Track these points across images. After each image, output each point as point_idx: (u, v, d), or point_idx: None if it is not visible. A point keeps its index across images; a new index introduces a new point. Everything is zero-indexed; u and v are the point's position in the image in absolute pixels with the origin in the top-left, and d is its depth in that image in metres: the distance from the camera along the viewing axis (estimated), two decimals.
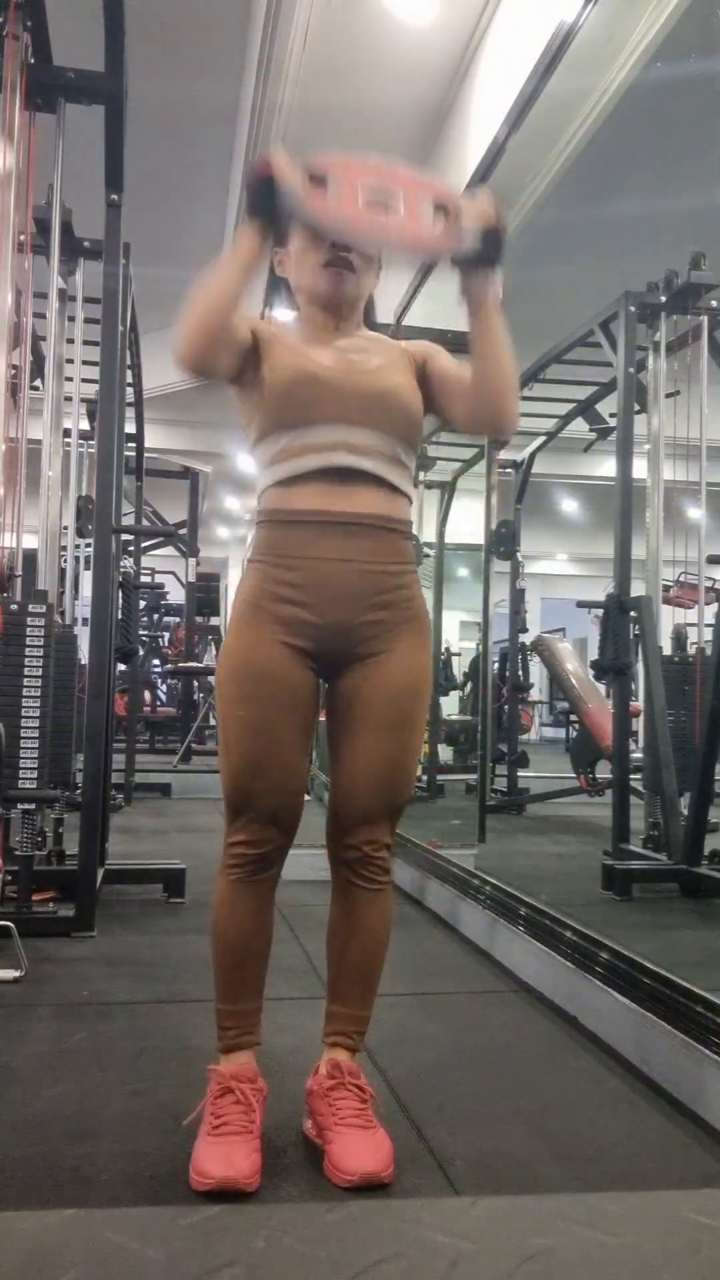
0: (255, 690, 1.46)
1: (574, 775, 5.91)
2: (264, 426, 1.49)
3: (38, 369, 3.88)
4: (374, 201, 1.37)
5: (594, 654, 4.14)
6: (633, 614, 3.87)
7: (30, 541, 3.16)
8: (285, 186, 1.33)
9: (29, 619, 2.78)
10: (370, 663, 1.49)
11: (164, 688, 12.07)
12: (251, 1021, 1.50)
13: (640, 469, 4.04)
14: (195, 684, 9.10)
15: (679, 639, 4.47)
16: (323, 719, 1.58)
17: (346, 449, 1.46)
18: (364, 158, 1.41)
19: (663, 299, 4.02)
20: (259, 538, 1.52)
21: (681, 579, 4.76)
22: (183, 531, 8.92)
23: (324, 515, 1.46)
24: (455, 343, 4.92)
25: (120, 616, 4.24)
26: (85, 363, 4.13)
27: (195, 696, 9.12)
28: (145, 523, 7.64)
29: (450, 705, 8.00)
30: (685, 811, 3.41)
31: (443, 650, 6.85)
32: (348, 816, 1.52)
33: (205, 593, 9.88)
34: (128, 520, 6.28)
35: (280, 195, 1.33)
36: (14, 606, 2.79)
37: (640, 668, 3.93)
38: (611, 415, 4.70)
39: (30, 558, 3.22)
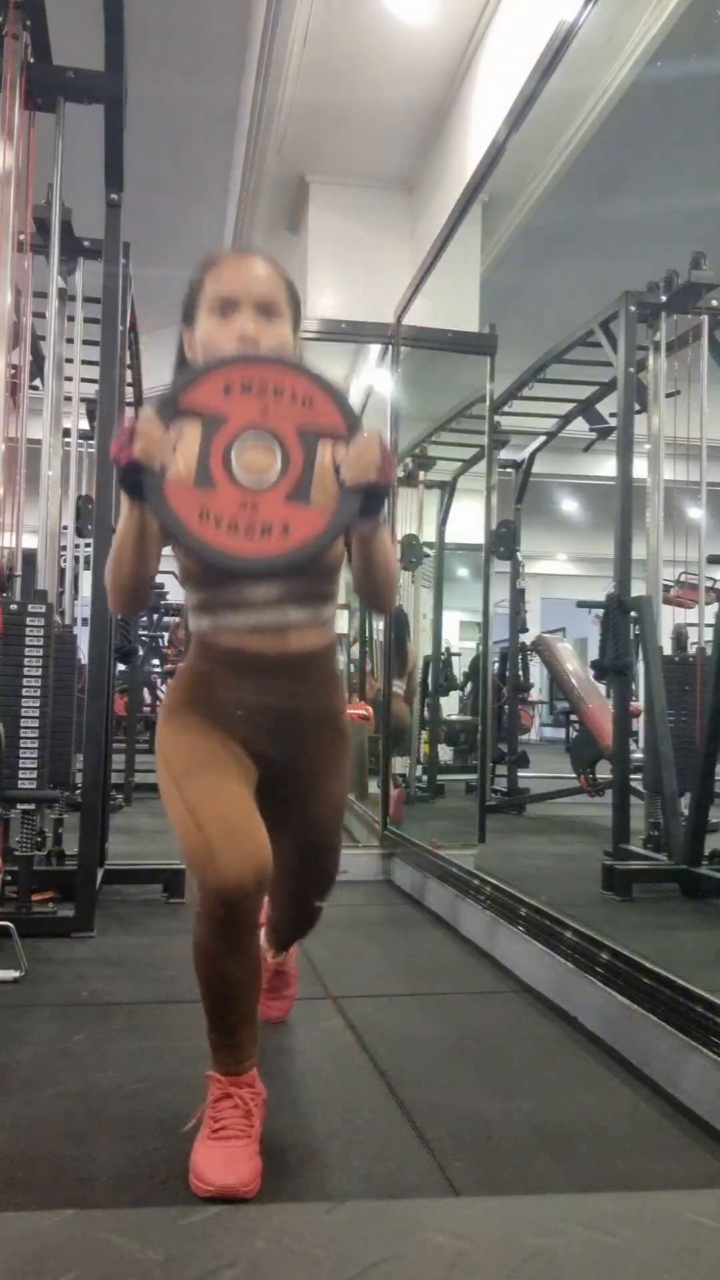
0: (200, 753, 1.47)
1: (574, 775, 5.91)
2: (182, 575, 1.51)
3: (37, 369, 3.88)
4: (249, 460, 1.32)
5: (594, 654, 4.14)
6: (633, 614, 3.87)
7: (30, 541, 3.16)
8: (151, 476, 1.30)
9: (29, 619, 2.78)
10: (295, 781, 1.55)
11: (164, 688, 12.07)
12: (247, 1049, 1.46)
13: (640, 469, 4.04)
14: None
15: (679, 639, 4.47)
16: None
17: (265, 602, 1.46)
18: (248, 368, 1.35)
19: (663, 299, 4.02)
20: (189, 660, 1.55)
21: (682, 579, 4.76)
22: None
23: (246, 658, 1.48)
24: (455, 343, 4.90)
25: (120, 617, 4.24)
26: (85, 362, 4.13)
27: None
28: None
29: (450, 705, 7.99)
30: (686, 811, 3.41)
31: (443, 650, 6.84)
32: (277, 898, 1.71)
33: None
34: None
35: (147, 487, 1.30)
36: (14, 606, 2.79)
37: (640, 668, 3.93)
38: (611, 415, 4.70)
39: (30, 558, 3.21)
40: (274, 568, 1.34)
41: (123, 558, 1.43)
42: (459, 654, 8.58)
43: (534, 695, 9.10)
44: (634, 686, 4.35)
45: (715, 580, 5.66)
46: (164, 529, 1.38)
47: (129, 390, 4.97)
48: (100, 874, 3.00)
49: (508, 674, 6.45)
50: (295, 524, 1.32)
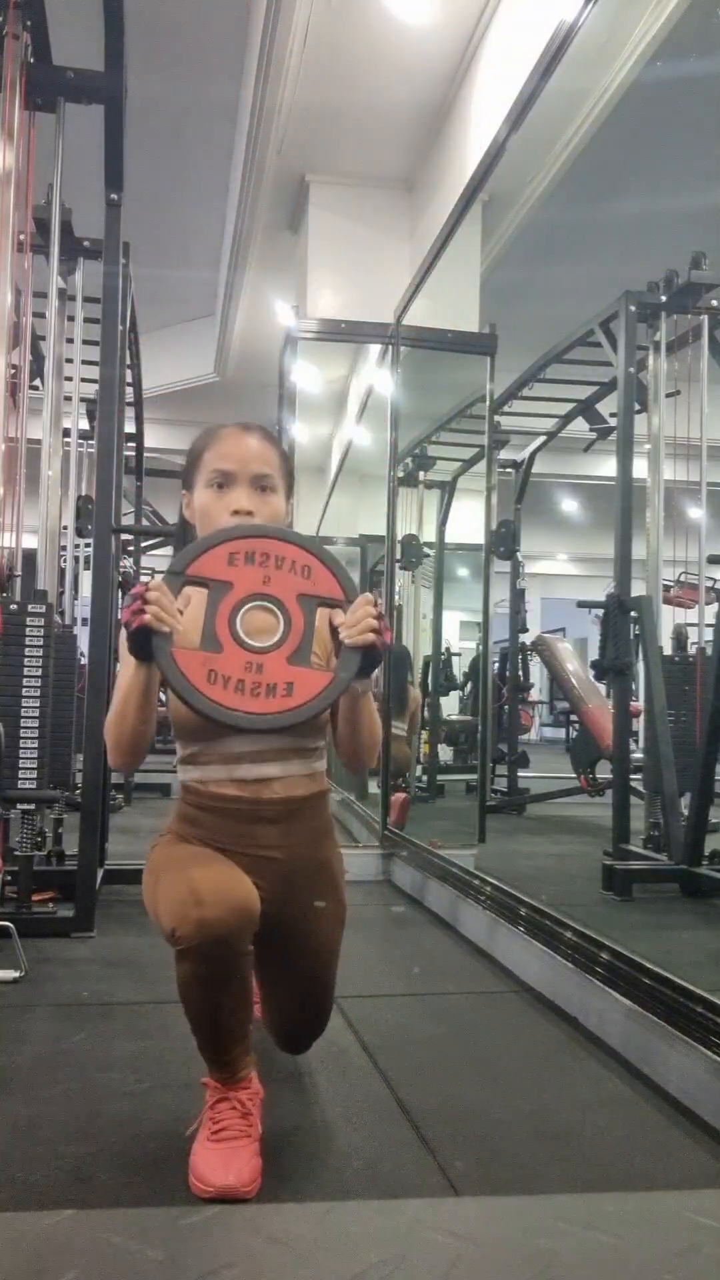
0: (190, 850, 1.52)
1: (574, 775, 5.91)
2: (178, 732, 1.56)
3: (37, 369, 3.88)
4: (254, 624, 1.39)
5: (594, 654, 4.13)
6: (633, 614, 3.87)
7: (30, 541, 3.16)
8: (160, 639, 1.35)
9: (29, 619, 2.78)
10: (288, 928, 1.56)
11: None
12: (240, 1064, 1.45)
13: (640, 469, 4.04)
14: None
15: (679, 639, 4.47)
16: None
17: (253, 758, 1.53)
18: (251, 543, 1.42)
19: (663, 299, 4.02)
20: (180, 808, 1.59)
21: (682, 579, 4.76)
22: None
23: (238, 804, 1.54)
24: (455, 343, 4.90)
25: (120, 616, 4.24)
26: (85, 362, 4.13)
27: None
28: (145, 523, 7.64)
29: (450, 705, 7.99)
30: (686, 812, 3.41)
31: (443, 650, 6.85)
32: (271, 1032, 1.71)
33: None
34: (128, 520, 6.29)
35: (156, 651, 1.36)
36: (14, 606, 2.79)
37: (640, 668, 3.93)
38: (611, 415, 4.70)
39: (30, 558, 3.21)
40: (280, 725, 1.40)
41: (126, 714, 1.47)
42: (459, 654, 8.57)
43: (534, 695, 9.10)
44: (634, 686, 4.36)
45: (715, 580, 5.66)
46: (168, 688, 1.43)
47: (129, 390, 4.98)
48: (100, 874, 3.00)
49: (508, 674, 6.45)
50: (299, 684, 1.39)
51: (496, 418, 5.08)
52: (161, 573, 1.47)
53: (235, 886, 1.42)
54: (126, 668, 1.45)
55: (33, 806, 2.70)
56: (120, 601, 4.13)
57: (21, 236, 2.85)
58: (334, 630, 1.42)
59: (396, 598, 5.63)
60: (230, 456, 1.57)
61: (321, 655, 1.47)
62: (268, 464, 1.58)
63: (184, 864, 1.48)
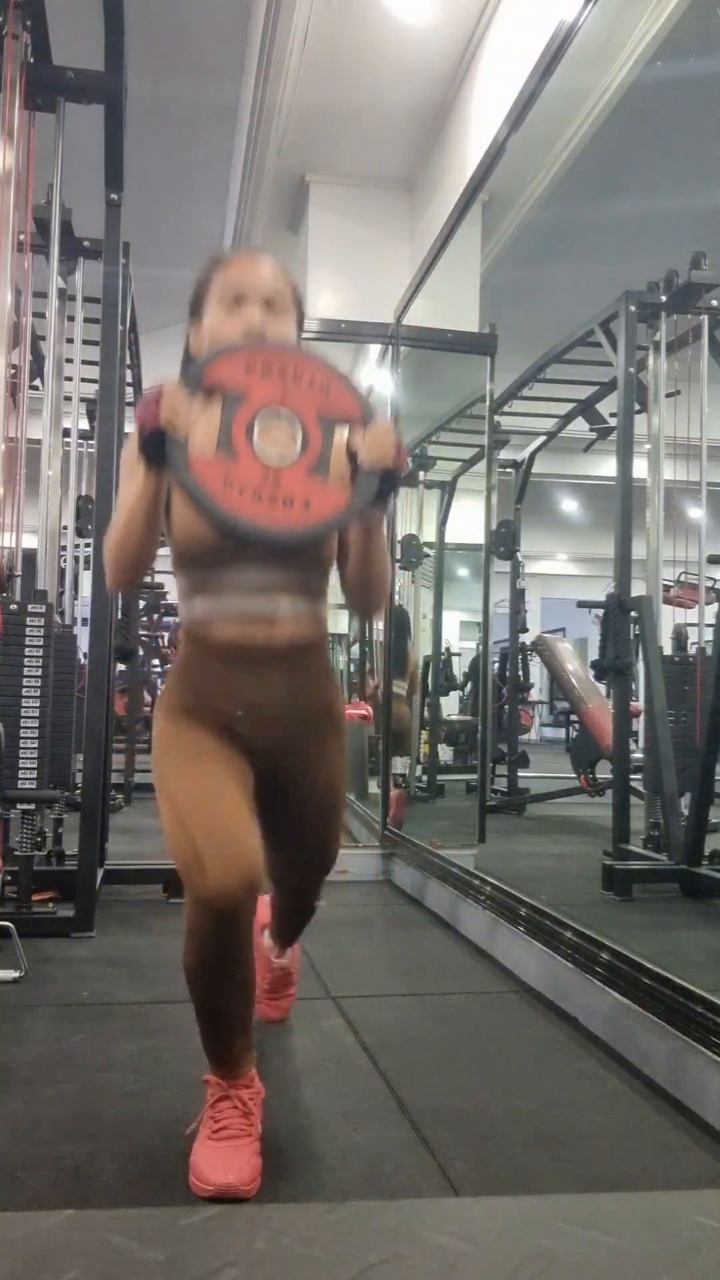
0: (194, 755, 1.47)
1: (574, 775, 5.91)
2: (175, 560, 1.52)
3: (37, 369, 3.88)
4: (271, 437, 1.33)
5: (594, 654, 4.13)
6: (633, 614, 3.87)
7: (30, 541, 3.16)
8: (175, 444, 1.29)
9: (29, 619, 2.78)
10: (293, 773, 1.56)
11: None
12: (242, 1058, 1.45)
13: (640, 469, 4.04)
14: None
15: (679, 639, 4.47)
16: None
17: (257, 589, 1.47)
18: (268, 354, 1.37)
19: (663, 299, 4.02)
20: (183, 655, 1.55)
21: (682, 579, 4.76)
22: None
23: (241, 649, 1.48)
24: (455, 343, 4.89)
25: (120, 616, 4.24)
26: (85, 362, 4.13)
27: None
28: None
29: (450, 705, 7.99)
30: (686, 812, 3.41)
31: (443, 650, 6.85)
32: (278, 889, 1.72)
33: None
34: None
35: (171, 455, 1.30)
36: (14, 606, 2.79)
37: (640, 668, 3.93)
38: (611, 415, 4.69)
39: (30, 558, 3.21)
40: (296, 539, 1.35)
41: (132, 527, 1.42)
42: (459, 654, 8.57)
43: (534, 695, 9.10)
44: (634, 686, 4.35)
45: (715, 580, 5.66)
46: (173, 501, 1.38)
47: (129, 390, 4.98)
48: (100, 874, 3.00)
49: (508, 674, 6.44)
50: (316, 499, 1.33)
51: (496, 418, 5.07)
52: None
53: (238, 840, 1.37)
54: (134, 479, 1.38)
55: (33, 806, 2.69)
56: (119, 601, 4.13)
57: (21, 236, 2.85)
58: (351, 456, 1.37)
59: (397, 598, 5.63)
60: (241, 276, 1.52)
61: (340, 474, 1.39)
62: (280, 286, 1.53)
63: (188, 788, 1.44)
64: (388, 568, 1.55)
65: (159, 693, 1.59)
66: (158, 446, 1.30)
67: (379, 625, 6.00)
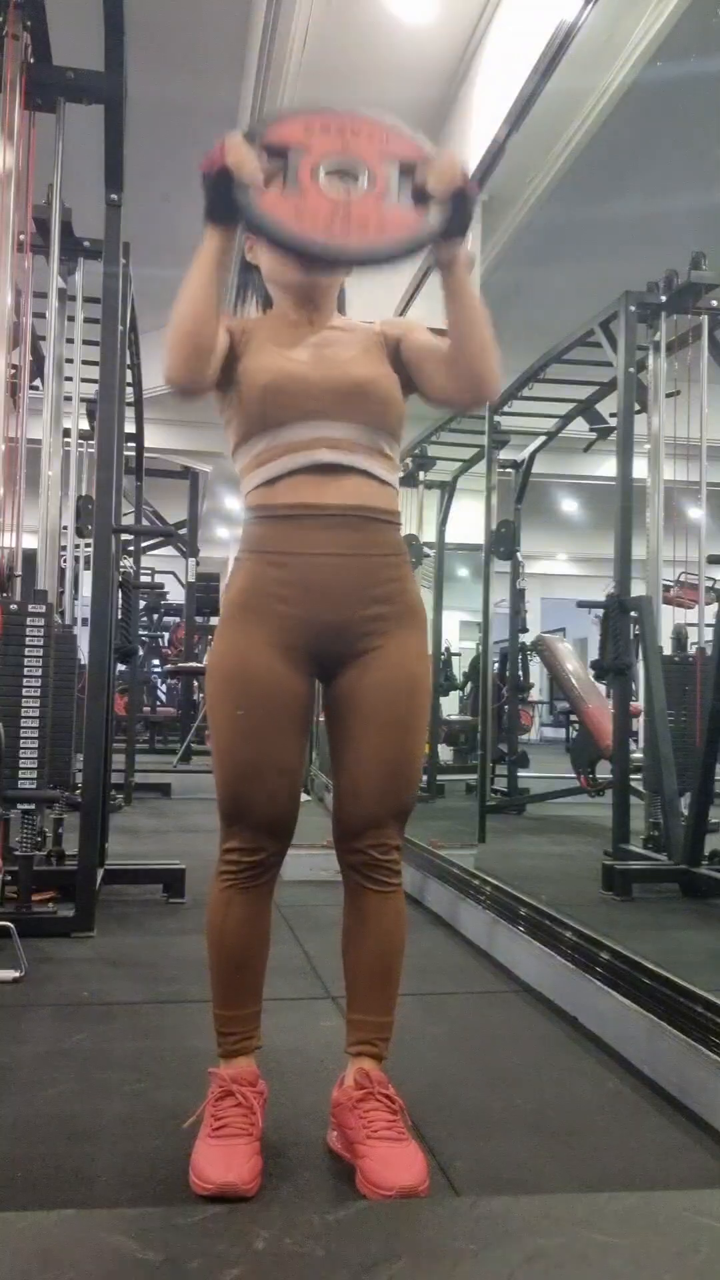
0: (247, 695, 1.42)
1: (574, 775, 5.91)
2: (242, 430, 1.48)
3: (38, 369, 3.88)
4: (337, 181, 1.31)
5: (594, 654, 4.14)
6: (633, 614, 3.87)
7: (30, 541, 3.16)
8: (242, 186, 1.27)
9: (29, 619, 2.78)
10: (366, 660, 1.45)
11: (164, 688, 12.07)
12: (251, 1026, 1.49)
13: (640, 469, 4.04)
14: (195, 684, 9.11)
15: (679, 639, 4.47)
16: (321, 719, 1.57)
17: (327, 445, 1.43)
18: (325, 116, 1.34)
19: (663, 299, 4.02)
20: (246, 534, 1.50)
21: (681, 579, 4.76)
22: (182, 531, 8.92)
23: (309, 510, 1.43)
24: None
25: (120, 616, 4.24)
26: (85, 362, 4.13)
27: (195, 696, 9.12)
28: (145, 523, 7.64)
29: (450, 705, 8.00)
30: (685, 811, 3.41)
31: (443, 650, 6.85)
32: (352, 821, 1.48)
33: (205, 593, 9.88)
34: (128, 520, 6.28)
35: (238, 196, 1.27)
36: (14, 606, 2.79)
37: (640, 668, 3.93)
38: (611, 415, 4.70)
39: (30, 558, 3.21)
40: (377, 256, 1.33)
41: (197, 300, 1.35)
42: (459, 654, 8.59)
43: (534, 695, 9.11)
44: (634, 686, 4.36)
45: (715, 580, 5.66)
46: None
47: (129, 390, 4.98)
48: (100, 874, 3.00)
49: (508, 674, 6.45)
50: (390, 223, 1.31)
51: (496, 418, 5.08)
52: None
53: (278, 786, 1.42)
54: (204, 248, 1.35)
55: (33, 806, 2.70)
56: (120, 601, 4.13)
57: (21, 236, 2.85)
58: (419, 194, 1.32)
59: None
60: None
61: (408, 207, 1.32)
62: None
63: (234, 734, 1.43)
64: (489, 332, 1.43)
65: (223, 596, 1.51)
66: (225, 191, 1.27)
67: None
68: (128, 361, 4.44)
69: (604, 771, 5.53)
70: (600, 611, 4.10)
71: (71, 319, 4.18)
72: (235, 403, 1.47)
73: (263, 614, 1.43)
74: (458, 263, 1.39)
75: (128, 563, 6.46)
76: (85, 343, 4.21)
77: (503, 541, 5.94)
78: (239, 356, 1.47)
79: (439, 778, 6.48)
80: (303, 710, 1.46)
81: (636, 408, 4.04)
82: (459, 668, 8.52)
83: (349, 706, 1.47)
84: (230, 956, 1.47)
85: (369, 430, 1.46)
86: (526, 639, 6.72)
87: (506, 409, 5.54)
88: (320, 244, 1.29)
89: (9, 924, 2.41)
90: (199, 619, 9.87)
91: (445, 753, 7.24)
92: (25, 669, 2.75)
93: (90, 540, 3.96)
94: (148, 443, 6.69)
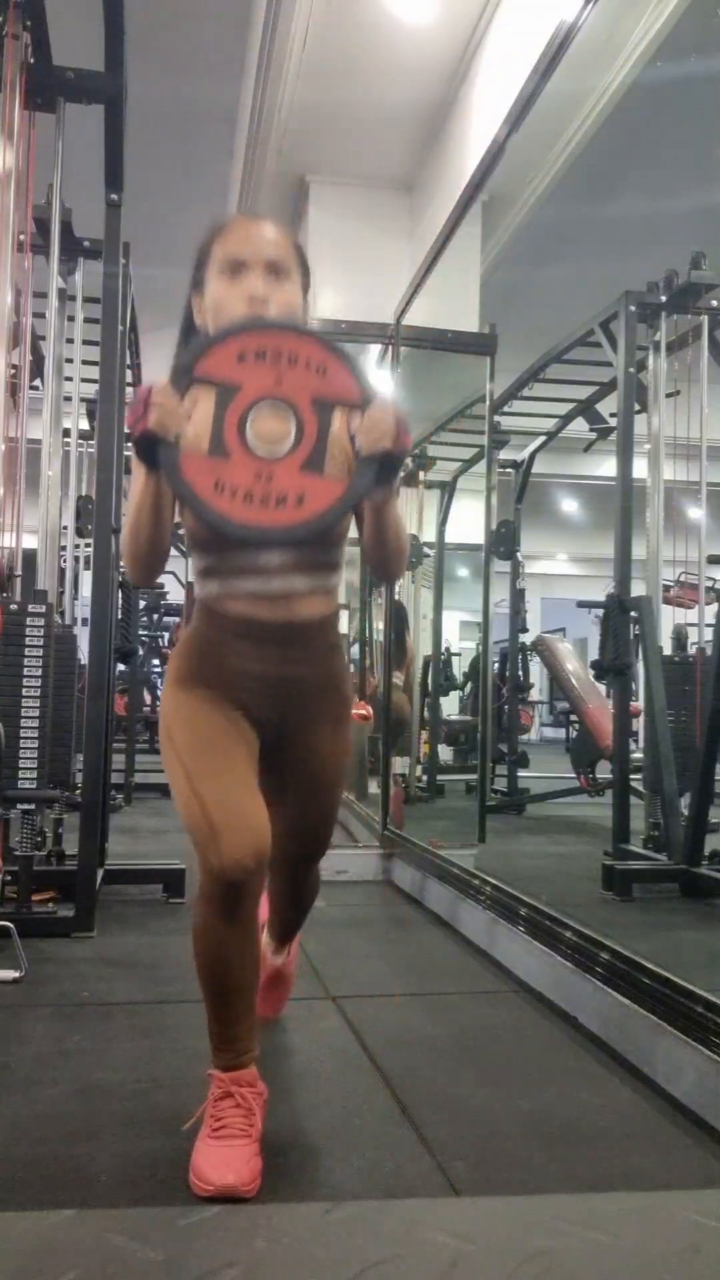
0: (203, 723, 1.48)
1: (574, 775, 5.91)
2: (190, 543, 1.53)
3: (38, 369, 3.88)
4: (265, 430, 1.33)
5: (594, 654, 4.14)
6: (633, 614, 3.87)
7: (30, 541, 3.16)
8: (166, 446, 1.30)
9: (29, 619, 2.78)
10: (298, 745, 1.56)
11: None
12: (246, 1041, 1.47)
13: (640, 469, 4.04)
14: None
15: (679, 639, 4.47)
16: None
17: (267, 569, 1.47)
18: (262, 336, 1.35)
19: (663, 299, 4.02)
20: (194, 625, 1.55)
21: (681, 579, 4.76)
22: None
23: (252, 624, 1.49)
24: (455, 343, 4.89)
25: (120, 616, 4.24)
26: (85, 362, 4.13)
27: None
28: None
29: (450, 705, 7.99)
30: (685, 811, 3.41)
31: (443, 650, 6.85)
32: (275, 874, 1.68)
33: None
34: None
35: (163, 456, 1.31)
36: (14, 606, 2.79)
37: (640, 668, 3.93)
38: (611, 415, 4.70)
39: (30, 558, 3.21)
40: (289, 538, 1.35)
41: (140, 526, 1.43)
42: (459, 654, 8.58)
43: (534, 695, 9.10)
44: (634, 686, 4.36)
45: (715, 580, 5.66)
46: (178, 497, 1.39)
47: (129, 390, 4.98)
48: (100, 874, 3.00)
49: (508, 674, 6.45)
50: (310, 494, 1.32)
51: (496, 418, 5.07)
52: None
53: (248, 812, 1.41)
54: (137, 478, 1.40)
55: (33, 806, 2.69)
56: (120, 601, 4.13)
57: (21, 236, 2.85)
58: (352, 438, 1.36)
59: (396, 597, 5.64)
60: (242, 242, 1.49)
61: (339, 461, 1.38)
62: (282, 249, 1.51)
63: (199, 761, 1.45)
64: (404, 539, 1.54)
65: (169, 661, 1.59)
66: (150, 450, 1.31)
67: (379, 626, 5.99)
68: (128, 361, 4.44)
69: (604, 771, 5.53)
70: (600, 611, 4.10)
71: (71, 319, 4.18)
72: (184, 515, 1.50)
73: (209, 679, 1.50)
74: (384, 500, 1.44)
75: None
76: (85, 343, 4.21)
77: (503, 541, 5.94)
78: None
79: (439, 778, 6.48)
80: (254, 741, 1.51)
81: (636, 408, 4.03)
82: (459, 668, 8.52)
83: (277, 773, 1.56)
84: (220, 982, 1.44)
85: (315, 549, 1.49)
86: (526, 639, 6.72)
87: (506, 409, 5.54)
88: (235, 525, 1.32)
89: (9, 924, 2.41)
90: None
91: (445, 753, 7.24)
92: (25, 669, 2.75)
93: (90, 540, 3.96)
94: None
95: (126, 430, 1.34)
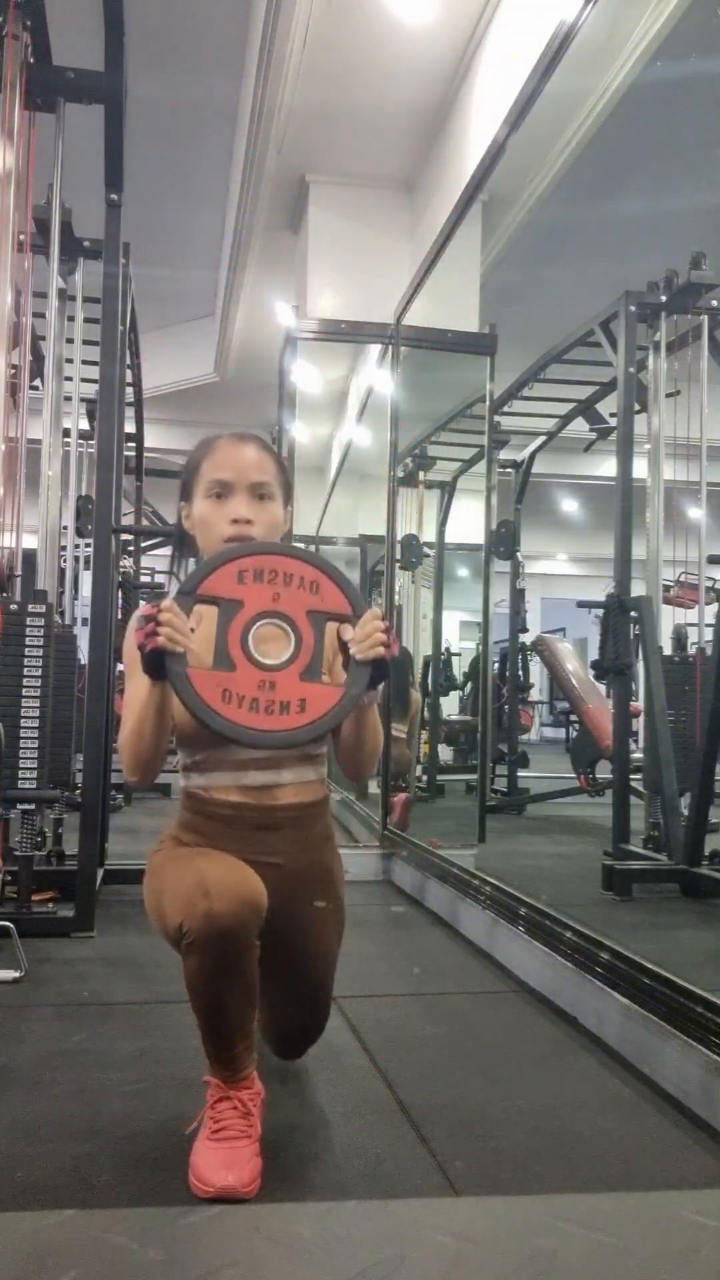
0: (195, 849, 1.55)
1: (574, 775, 5.91)
2: (181, 741, 1.58)
3: (37, 369, 3.88)
4: (266, 642, 1.42)
5: (594, 654, 4.13)
6: (633, 614, 3.87)
7: (30, 541, 3.16)
8: (175, 659, 1.37)
9: (29, 619, 2.78)
10: (287, 933, 1.56)
11: None
12: (243, 1061, 1.45)
13: (640, 469, 4.04)
14: None
15: (679, 639, 4.47)
16: None
17: (261, 765, 1.56)
18: (258, 559, 1.44)
19: (663, 299, 4.02)
20: (184, 816, 1.61)
21: (681, 579, 4.76)
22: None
23: (245, 811, 1.56)
24: (455, 343, 4.89)
25: (120, 616, 4.25)
26: (85, 362, 4.13)
27: None
28: (145, 523, 7.64)
29: (450, 705, 7.99)
30: (685, 811, 3.41)
31: (443, 650, 6.85)
32: (268, 1040, 1.69)
33: None
34: (128, 520, 6.29)
35: (171, 669, 1.37)
36: (14, 606, 2.79)
37: (640, 668, 3.93)
38: (611, 415, 4.70)
39: (30, 558, 3.21)
40: (295, 742, 1.43)
41: (143, 732, 1.48)
42: (459, 654, 8.58)
43: (534, 695, 9.10)
44: (634, 686, 4.36)
45: (715, 580, 5.66)
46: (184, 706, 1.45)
47: (129, 390, 4.98)
48: (100, 874, 3.00)
49: (508, 674, 6.45)
50: (310, 700, 1.42)
51: (496, 418, 5.08)
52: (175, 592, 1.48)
53: (243, 879, 1.43)
54: (140, 685, 1.45)
55: (33, 806, 2.70)
56: (120, 601, 4.13)
57: (21, 236, 2.85)
58: (343, 644, 1.45)
59: (396, 598, 5.64)
60: (227, 466, 1.59)
61: (330, 670, 1.48)
62: (265, 472, 1.61)
63: (190, 859, 1.50)
64: (379, 739, 1.60)
65: (161, 844, 1.64)
66: (158, 664, 1.38)
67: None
68: (128, 361, 4.45)
69: (604, 771, 5.53)
70: (600, 611, 4.10)
71: (71, 319, 4.18)
72: (174, 718, 1.53)
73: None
74: (372, 702, 1.52)
75: (128, 563, 6.47)
76: (85, 343, 4.21)
77: (503, 541, 5.94)
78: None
79: (439, 778, 6.48)
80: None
81: (636, 408, 4.04)
82: (459, 668, 8.52)
83: (270, 957, 1.52)
84: (217, 1019, 1.42)
85: (302, 745, 1.52)
86: (526, 639, 6.72)
87: (506, 409, 5.55)
88: (242, 733, 1.39)
89: (9, 924, 2.41)
90: None
91: (445, 753, 7.24)
92: (25, 669, 2.75)
93: (90, 540, 3.96)
94: (148, 443, 6.70)
95: (138, 647, 1.39)
